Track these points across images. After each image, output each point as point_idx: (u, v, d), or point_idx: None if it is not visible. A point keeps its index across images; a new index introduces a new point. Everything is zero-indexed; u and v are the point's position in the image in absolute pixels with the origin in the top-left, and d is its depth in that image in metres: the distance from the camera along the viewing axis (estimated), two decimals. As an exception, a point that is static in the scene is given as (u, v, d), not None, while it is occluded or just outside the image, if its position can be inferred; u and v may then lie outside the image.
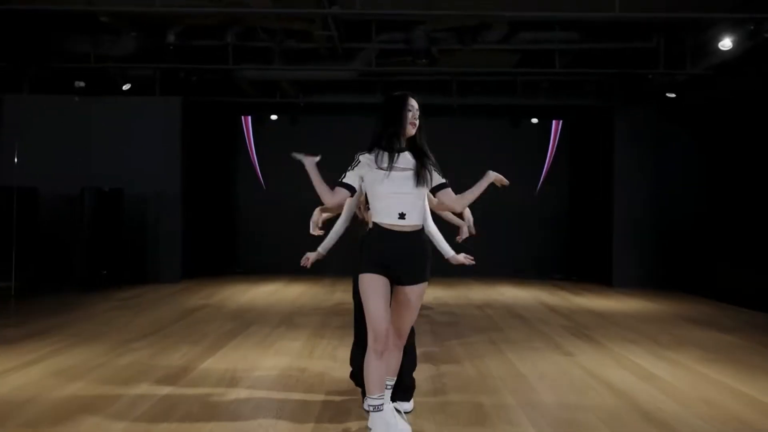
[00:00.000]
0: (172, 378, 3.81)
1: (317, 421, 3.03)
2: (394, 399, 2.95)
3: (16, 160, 7.96)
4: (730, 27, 6.22)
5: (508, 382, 3.88)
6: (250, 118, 11.03)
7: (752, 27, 6.07)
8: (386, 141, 2.62)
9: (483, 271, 10.11)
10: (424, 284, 2.72)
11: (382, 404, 2.59)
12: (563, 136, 10.75)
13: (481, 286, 8.81)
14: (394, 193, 2.59)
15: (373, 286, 2.58)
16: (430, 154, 2.67)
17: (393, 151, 2.61)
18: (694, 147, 8.97)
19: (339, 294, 7.53)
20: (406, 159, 2.64)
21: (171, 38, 7.84)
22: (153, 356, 4.37)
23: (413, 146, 2.66)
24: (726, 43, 6.15)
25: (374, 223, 2.67)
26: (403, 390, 3.10)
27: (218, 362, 4.23)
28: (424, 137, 2.70)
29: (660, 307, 7.21)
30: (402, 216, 2.59)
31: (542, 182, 10.76)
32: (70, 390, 3.52)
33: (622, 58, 8.37)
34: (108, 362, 4.17)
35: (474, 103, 10.01)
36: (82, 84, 8.63)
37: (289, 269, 9.92)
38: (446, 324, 5.75)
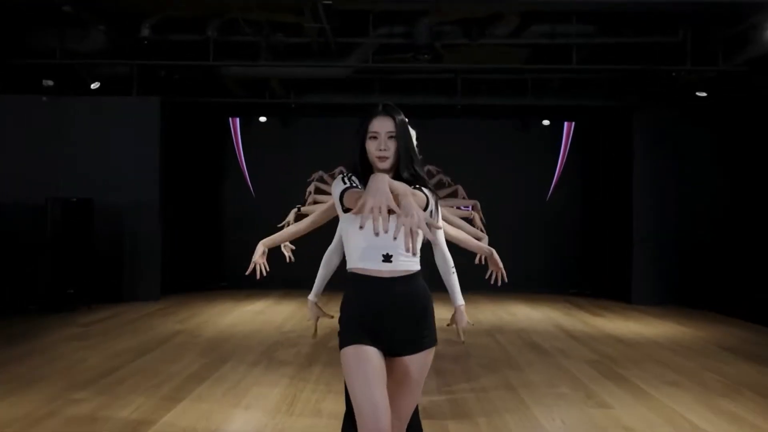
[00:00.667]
0: (115, 445, 3.04)
1: None
2: None
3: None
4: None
5: (535, 449, 3.11)
6: (238, 120, 10.26)
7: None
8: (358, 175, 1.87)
9: (491, 285, 9.36)
10: (431, 351, 1.93)
11: None
12: (576, 138, 9.96)
13: (489, 304, 8.02)
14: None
15: (360, 364, 1.79)
16: (425, 193, 1.83)
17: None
18: (722, 151, 8.20)
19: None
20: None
21: (146, 32, 7.09)
22: (100, 410, 3.58)
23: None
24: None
25: (350, 273, 1.89)
26: None
27: (177, 418, 3.45)
28: (415, 167, 1.86)
29: (692, 332, 6.42)
30: (387, 258, 1.82)
31: (553, 189, 9.98)
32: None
33: (643, 53, 7.61)
34: (43, 420, 3.39)
35: (480, 104, 9.23)
36: (50, 83, 7.85)
37: (279, 284, 9.17)
38: (453, 358, 4.94)
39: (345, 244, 1.92)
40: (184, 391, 3.94)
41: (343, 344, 1.83)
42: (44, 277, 7.12)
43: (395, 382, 1.87)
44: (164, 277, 8.33)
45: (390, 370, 1.86)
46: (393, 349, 1.85)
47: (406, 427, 1.99)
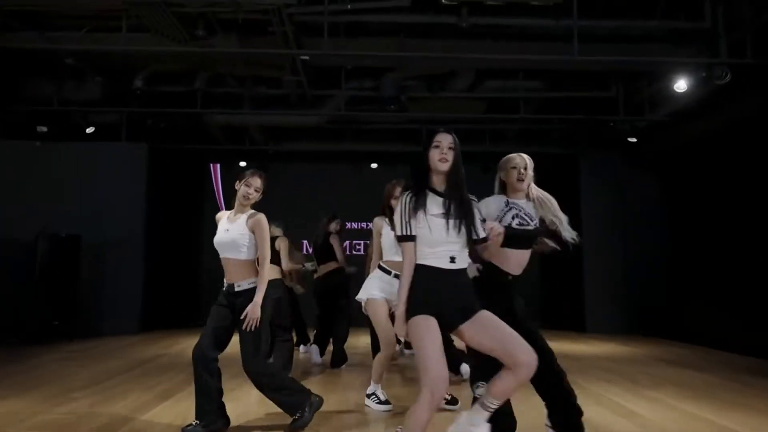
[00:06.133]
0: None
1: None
2: None
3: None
4: (684, 73, 6.47)
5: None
6: (219, 166, 10.92)
7: (704, 74, 6.33)
8: None
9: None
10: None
11: None
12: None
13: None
14: None
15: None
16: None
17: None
18: (658, 190, 9.19)
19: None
20: None
21: (138, 83, 7.79)
22: (96, 405, 4.00)
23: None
24: (681, 85, 6.37)
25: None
26: None
27: (169, 408, 3.89)
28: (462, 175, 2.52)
29: (634, 350, 7.09)
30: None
31: (512, 229, 10.77)
32: None
33: (584, 106, 8.64)
34: (44, 412, 3.79)
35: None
36: (44, 129, 8.44)
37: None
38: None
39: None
40: (175, 391, 4.38)
41: None
42: (31, 310, 7.44)
43: None
44: (143, 313, 8.69)
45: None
46: None
47: None
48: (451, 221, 2.33)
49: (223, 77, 8.00)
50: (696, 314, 8.01)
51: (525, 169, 2.92)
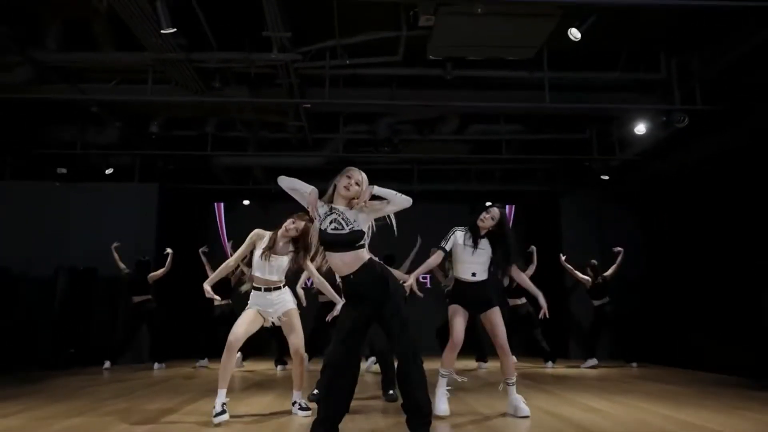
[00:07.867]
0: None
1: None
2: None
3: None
4: (645, 118, 7.30)
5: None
6: (222, 204, 11.58)
7: (663, 118, 7.14)
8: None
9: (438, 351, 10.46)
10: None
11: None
12: (517, 219, 11.62)
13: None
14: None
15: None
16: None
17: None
18: (633, 224, 9.91)
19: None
20: None
21: (154, 128, 8.53)
22: (133, 406, 4.52)
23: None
24: (640, 128, 7.18)
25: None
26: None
27: (200, 407, 4.42)
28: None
29: (611, 371, 7.64)
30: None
31: (500, 263, 11.41)
32: None
33: (562, 147, 9.45)
34: (87, 412, 4.31)
35: (434, 189, 10.84)
36: (64, 170, 9.11)
37: (251, 355, 10.02)
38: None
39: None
40: (198, 398, 4.91)
41: None
42: (50, 338, 7.92)
43: None
44: (152, 344, 9.14)
45: None
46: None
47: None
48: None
49: (232, 122, 8.76)
50: (676, 340, 8.60)
51: (357, 184, 3.14)
